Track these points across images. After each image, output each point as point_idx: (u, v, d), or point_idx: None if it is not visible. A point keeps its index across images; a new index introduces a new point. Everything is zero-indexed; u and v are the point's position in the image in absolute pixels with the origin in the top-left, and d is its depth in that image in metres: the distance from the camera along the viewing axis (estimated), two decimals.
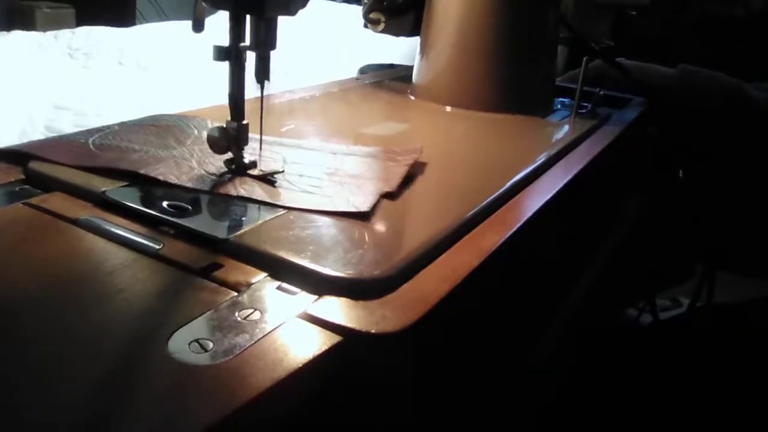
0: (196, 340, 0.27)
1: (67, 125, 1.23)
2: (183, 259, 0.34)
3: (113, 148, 0.47)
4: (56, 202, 0.39)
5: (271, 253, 0.34)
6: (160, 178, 0.42)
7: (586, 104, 0.77)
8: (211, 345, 0.27)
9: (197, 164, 0.45)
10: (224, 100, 0.44)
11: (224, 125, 0.44)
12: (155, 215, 0.38)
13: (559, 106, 0.81)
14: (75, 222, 0.37)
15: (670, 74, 1.08)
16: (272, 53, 0.43)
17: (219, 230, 0.36)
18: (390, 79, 0.88)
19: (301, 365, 0.27)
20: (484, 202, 0.44)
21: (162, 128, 0.52)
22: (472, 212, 0.42)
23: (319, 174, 0.46)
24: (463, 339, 0.40)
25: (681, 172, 0.92)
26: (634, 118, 0.79)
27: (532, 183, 0.51)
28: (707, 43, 1.43)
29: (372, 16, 0.82)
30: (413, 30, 0.81)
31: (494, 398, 0.49)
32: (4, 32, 1.76)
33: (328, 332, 0.29)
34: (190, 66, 1.55)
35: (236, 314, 0.30)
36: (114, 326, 0.28)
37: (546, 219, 0.47)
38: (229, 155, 0.45)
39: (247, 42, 0.42)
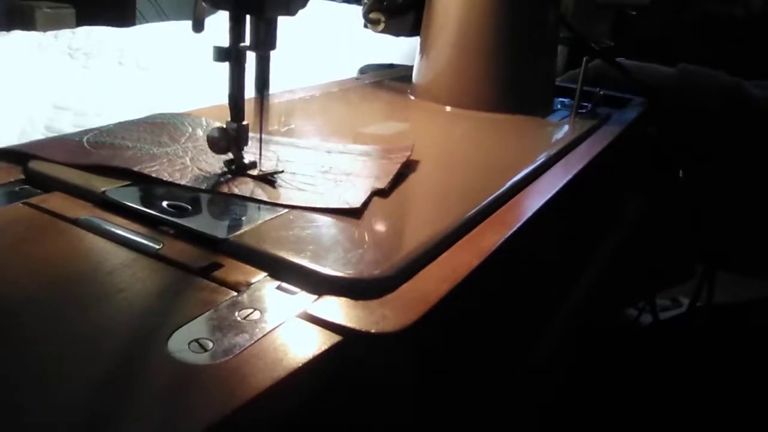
0: (196, 340, 0.27)
1: (67, 125, 1.23)
2: (183, 259, 0.34)
3: (107, 145, 0.47)
4: (56, 202, 0.39)
5: (271, 252, 0.34)
6: (153, 175, 0.42)
7: (586, 104, 0.77)
8: (210, 345, 0.27)
9: (190, 162, 0.46)
10: (224, 100, 0.44)
11: (223, 125, 0.44)
12: (155, 215, 0.38)
13: (559, 106, 0.81)
14: (75, 222, 0.37)
15: (670, 74, 1.08)
16: (272, 53, 0.43)
17: (219, 230, 0.36)
18: (390, 79, 0.88)
19: (301, 365, 0.27)
20: (484, 202, 0.44)
21: (156, 126, 0.52)
22: (472, 212, 0.42)
23: (313, 172, 0.46)
24: (463, 339, 0.40)
25: (681, 172, 0.92)
26: (634, 118, 0.79)
27: (532, 183, 0.51)
28: (707, 43, 1.43)
29: (372, 16, 0.82)
30: (413, 30, 0.81)
31: (494, 398, 0.49)
32: (4, 32, 1.76)
33: (328, 332, 0.29)
34: (190, 66, 1.55)
35: (236, 314, 0.30)
36: (114, 326, 0.28)
37: (546, 219, 0.47)
38: (227, 155, 0.45)
39: (247, 42, 0.42)
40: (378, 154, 0.51)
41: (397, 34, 0.83)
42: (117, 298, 0.30)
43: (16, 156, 0.44)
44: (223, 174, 0.44)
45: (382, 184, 0.45)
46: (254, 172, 0.45)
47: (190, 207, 0.39)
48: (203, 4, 0.42)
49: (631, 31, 1.42)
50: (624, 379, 0.86)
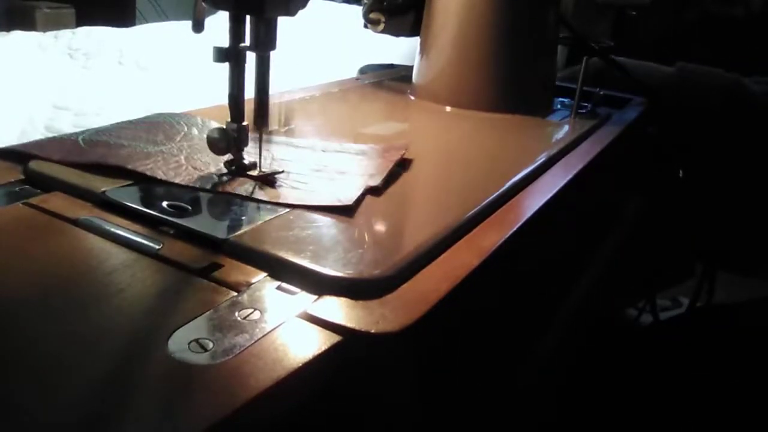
0: (196, 340, 0.27)
1: (67, 125, 1.23)
2: (183, 259, 0.34)
3: (102, 144, 0.47)
4: (56, 202, 0.39)
5: (271, 253, 0.34)
6: (148, 173, 0.42)
7: (586, 104, 0.77)
8: (211, 345, 0.27)
9: (185, 160, 0.46)
10: (224, 100, 0.44)
11: (221, 125, 0.44)
12: (155, 215, 0.38)
13: (559, 106, 0.81)
14: (75, 222, 0.37)
15: (669, 73, 1.08)
16: (272, 53, 0.43)
17: (219, 230, 0.36)
18: (390, 79, 0.88)
19: (300, 365, 0.27)
20: (484, 202, 0.44)
21: (152, 125, 0.52)
22: (472, 212, 0.42)
23: (307, 171, 0.47)
24: (463, 339, 0.40)
25: (681, 172, 0.92)
26: (634, 118, 0.79)
27: (532, 183, 0.51)
28: (707, 43, 1.43)
29: (372, 16, 0.82)
30: (413, 30, 0.81)
31: (494, 398, 0.49)
32: (4, 32, 1.76)
33: (328, 332, 0.29)
34: (190, 66, 1.55)
35: (236, 314, 0.30)
36: (114, 326, 0.28)
37: (546, 219, 0.47)
38: (225, 155, 0.45)
39: (247, 42, 0.42)
40: (373, 153, 0.51)
41: (397, 34, 0.83)
42: (117, 298, 0.30)
43: (13, 156, 0.44)
44: (223, 174, 0.44)
45: (375, 182, 0.45)
46: (254, 173, 0.45)
47: (190, 207, 0.39)
48: (203, 4, 0.42)
49: (631, 31, 1.42)
50: (624, 379, 0.86)
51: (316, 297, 0.32)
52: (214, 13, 1.60)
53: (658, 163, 0.94)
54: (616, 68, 0.90)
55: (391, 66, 1.06)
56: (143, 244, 0.35)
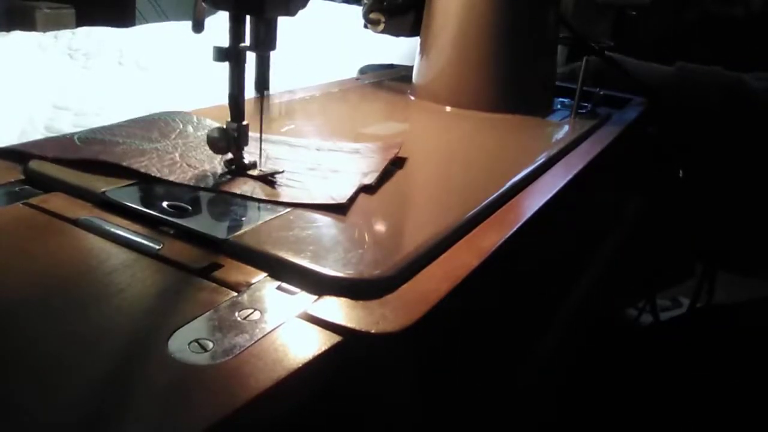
0: (196, 340, 0.27)
1: (67, 125, 1.23)
2: (183, 259, 0.34)
3: (98, 142, 0.47)
4: (56, 202, 0.39)
5: (271, 253, 0.34)
6: (142, 170, 0.42)
7: (586, 104, 0.77)
8: (211, 345, 0.27)
9: (180, 158, 0.46)
10: (224, 100, 0.44)
11: (217, 123, 0.44)
12: (155, 215, 0.38)
13: (559, 106, 0.81)
14: (75, 222, 0.37)
15: (668, 73, 1.08)
16: (272, 53, 0.43)
17: (219, 230, 0.36)
18: (390, 79, 0.88)
19: (301, 365, 0.27)
20: (485, 202, 0.44)
21: (147, 122, 0.52)
22: (472, 212, 0.42)
23: (302, 169, 0.47)
24: (463, 339, 0.40)
25: (681, 171, 0.92)
26: (634, 118, 0.79)
27: (532, 183, 0.51)
28: (707, 43, 1.43)
29: (372, 16, 0.82)
30: (413, 30, 0.81)
31: (494, 398, 0.49)
32: (4, 32, 1.76)
33: (328, 332, 0.29)
34: (190, 66, 1.55)
35: (236, 314, 0.30)
36: (114, 326, 0.28)
37: (546, 219, 0.47)
38: (223, 154, 0.45)
39: (247, 42, 0.42)
40: (367, 151, 0.52)
41: (397, 34, 0.83)
42: (117, 298, 0.30)
43: (13, 156, 0.44)
44: (222, 173, 0.44)
45: (369, 180, 0.45)
46: (254, 172, 0.45)
47: (190, 207, 0.39)
48: (203, 4, 0.42)
49: (631, 31, 1.42)
50: (624, 379, 0.86)
51: (316, 297, 0.32)
52: (214, 13, 1.60)
53: (658, 163, 0.94)
54: (615, 68, 0.90)
55: (391, 66, 1.06)
56: (143, 244, 0.35)
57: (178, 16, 2.59)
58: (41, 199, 0.39)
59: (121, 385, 0.24)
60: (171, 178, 0.42)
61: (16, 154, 0.44)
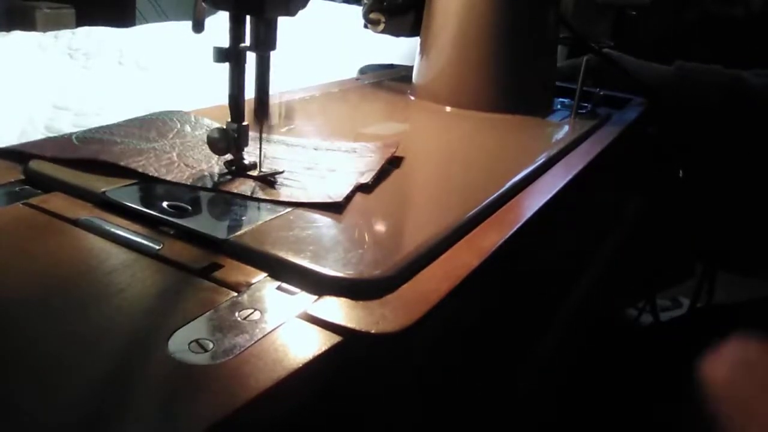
0: (196, 340, 0.27)
1: (67, 125, 1.23)
2: (183, 260, 0.34)
3: (95, 141, 0.47)
4: (56, 202, 0.39)
5: (271, 253, 0.34)
6: (140, 170, 0.42)
7: (586, 104, 0.77)
8: (211, 345, 0.27)
9: (177, 157, 0.46)
10: (224, 101, 0.44)
11: (215, 123, 0.44)
12: (155, 215, 0.38)
13: (559, 106, 0.81)
14: (75, 222, 0.37)
15: (667, 72, 1.08)
16: (272, 54, 0.43)
17: (219, 230, 0.36)
18: (390, 79, 0.88)
19: (301, 365, 0.27)
20: (485, 202, 0.44)
21: (145, 122, 0.52)
22: (472, 212, 0.42)
23: (299, 169, 0.47)
24: (463, 339, 0.40)
25: (681, 171, 0.92)
26: (634, 118, 0.79)
27: (532, 183, 0.51)
28: (707, 43, 1.43)
29: (372, 16, 0.82)
30: (413, 30, 0.81)
31: (495, 398, 0.49)
32: (4, 32, 1.76)
33: (328, 332, 0.29)
34: (190, 66, 1.55)
35: (236, 314, 0.30)
36: (114, 326, 0.28)
37: (546, 219, 0.47)
38: (221, 154, 0.45)
39: (247, 43, 0.42)
40: (364, 150, 0.52)
41: (397, 34, 0.83)
42: (117, 298, 0.30)
43: (13, 156, 0.44)
44: (221, 173, 0.45)
45: (366, 179, 0.45)
46: (254, 173, 0.45)
47: (190, 207, 0.39)
48: (203, 4, 0.42)
49: (631, 31, 1.42)
50: (625, 380, 0.86)
51: (316, 297, 0.32)
52: (214, 13, 1.60)
53: (658, 163, 0.94)
54: (615, 67, 0.90)
55: (391, 66, 1.06)
56: (143, 244, 0.35)
57: (178, 16, 2.59)
58: (41, 199, 0.39)
59: (121, 385, 0.24)
60: (168, 178, 0.42)
61: (16, 154, 0.44)
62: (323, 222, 0.39)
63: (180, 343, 0.27)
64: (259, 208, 0.41)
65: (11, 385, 0.24)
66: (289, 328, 0.29)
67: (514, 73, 0.74)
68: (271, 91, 0.44)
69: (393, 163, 0.50)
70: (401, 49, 1.50)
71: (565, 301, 0.63)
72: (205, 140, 0.44)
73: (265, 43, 0.42)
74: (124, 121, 0.53)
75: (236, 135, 0.44)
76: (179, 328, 0.28)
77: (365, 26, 0.84)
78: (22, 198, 0.39)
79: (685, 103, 1.02)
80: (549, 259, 0.57)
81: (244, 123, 0.44)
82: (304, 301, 0.31)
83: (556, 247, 0.58)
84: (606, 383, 0.83)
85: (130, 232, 0.36)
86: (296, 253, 0.34)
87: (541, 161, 0.55)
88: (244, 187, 0.43)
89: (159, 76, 1.55)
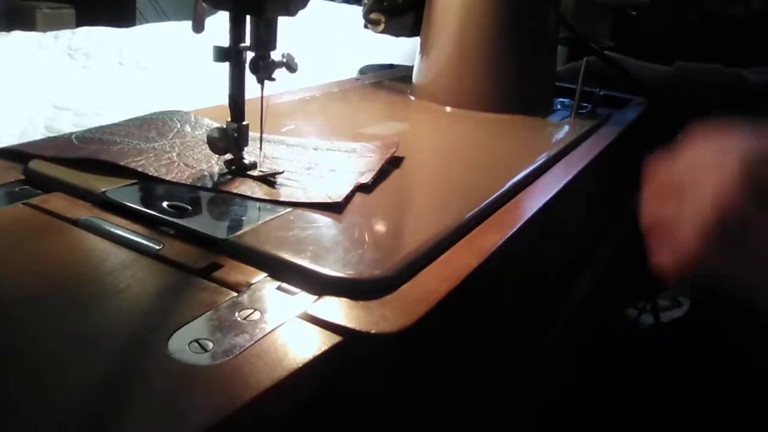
0: (196, 340, 0.27)
1: (67, 125, 1.23)
2: (183, 260, 0.34)
3: (95, 141, 0.47)
4: (56, 202, 0.39)
5: (271, 253, 0.34)
6: (139, 169, 0.42)
7: (586, 104, 0.77)
8: (211, 345, 0.27)
9: (177, 157, 0.46)
10: (224, 100, 0.44)
11: (215, 123, 0.44)
12: (155, 215, 0.38)
13: (559, 106, 0.81)
14: (75, 222, 0.37)
15: (667, 72, 1.08)
16: (272, 54, 0.43)
17: (219, 230, 0.36)
18: (390, 79, 0.88)
19: (301, 365, 0.27)
20: (485, 203, 0.44)
21: (145, 122, 0.53)
22: (472, 212, 0.42)
23: (299, 169, 0.47)
24: (463, 339, 0.40)
25: None
26: (634, 118, 0.79)
27: (532, 183, 0.51)
28: (707, 43, 1.43)
29: (372, 16, 0.82)
30: (413, 30, 0.81)
31: (495, 398, 0.49)
32: (4, 32, 1.76)
33: (328, 332, 0.29)
34: (190, 66, 1.55)
35: (236, 314, 0.30)
36: (114, 326, 0.28)
37: (546, 219, 0.47)
38: (221, 154, 0.45)
39: (247, 42, 0.42)
40: (364, 151, 0.52)
41: (397, 34, 0.83)
42: (117, 298, 0.30)
43: (13, 156, 0.44)
44: (221, 173, 0.44)
45: (366, 179, 0.45)
46: (254, 173, 0.45)
47: (190, 207, 0.39)
48: (203, 4, 0.42)
49: (631, 31, 1.42)
50: (625, 380, 0.86)
51: (316, 297, 0.32)
52: (214, 13, 1.60)
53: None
54: (615, 68, 0.90)
55: (391, 66, 1.05)
56: (143, 244, 0.35)
57: (178, 16, 2.59)
58: (41, 199, 0.39)
59: (121, 385, 0.24)
60: (168, 178, 0.42)
61: (16, 154, 0.44)
62: (323, 222, 0.39)
63: (180, 343, 0.27)
64: (258, 208, 0.40)
65: (11, 385, 0.24)
66: (289, 328, 0.29)
67: (514, 74, 0.74)
68: (271, 92, 0.44)
69: (393, 163, 0.50)
70: (401, 49, 1.50)
71: (566, 301, 0.63)
72: (205, 140, 0.44)
73: (265, 42, 0.42)
74: (124, 121, 0.53)
75: (236, 135, 0.44)
76: (179, 328, 0.28)
77: (365, 26, 0.84)
78: (22, 198, 0.39)
79: (685, 103, 1.02)
80: (549, 259, 0.57)
81: (244, 123, 0.44)
82: (304, 301, 0.31)
83: (557, 247, 0.58)
84: (607, 384, 0.83)
85: (130, 232, 0.36)
86: (296, 253, 0.34)
87: (541, 161, 0.55)
88: (244, 187, 0.43)
89: (159, 76, 1.55)
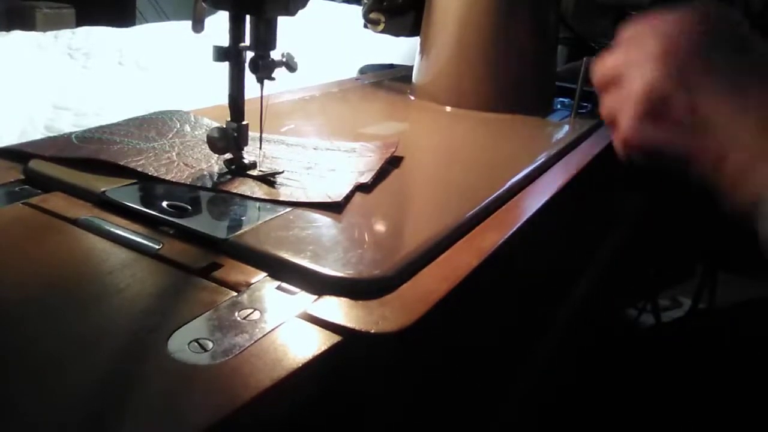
0: (196, 340, 0.27)
1: (67, 125, 1.23)
2: (183, 259, 0.34)
3: (95, 141, 0.47)
4: (56, 202, 0.39)
5: (271, 253, 0.34)
6: (139, 169, 0.42)
7: (586, 104, 0.77)
8: (210, 345, 0.27)
9: (177, 157, 0.46)
10: (224, 100, 0.44)
11: (215, 123, 0.44)
12: (155, 215, 0.38)
13: (559, 106, 0.81)
14: (75, 222, 0.37)
15: None
16: (272, 54, 0.43)
17: (219, 230, 0.36)
18: (390, 79, 0.88)
19: (300, 365, 0.27)
20: (484, 202, 0.44)
21: (145, 121, 0.53)
22: (472, 212, 0.42)
23: (298, 168, 0.47)
24: (462, 339, 0.40)
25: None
26: None
27: (532, 183, 0.51)
28: None
29: (372, 16, 0.82)
30: (413, 30, 0.81)
31: (495, 398, 0.49)
32: (4, 32, 1.76)
33: (327, 332, 0.29)
34: (190, 66, 1.56)
35: (236, 314, 0.30)
36: (114, 326, 0.28)
37: (546, 219, 0.47)
38: (220, 154, 0.45)
39: (247, 42, 0.42)
40: (363, 150, 0.52)
41: (397, 34, 0.83)
42: (117, 298, 0.30)
43: (13, 156, 0.44)
44: (221, 173, 0.44)
45: (365, 179, 0.45)
46: (254, 172, 0.45)
47: (189, 207, 0.39)
48: (203, 4, 0.42)
49: None
50: (625, 380, 0.86)
51: (315, 297, 0.32)
52: (214, 13, 1.60)
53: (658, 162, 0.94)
54: None
55: (391, 66, 1.05)
56: (143, 244, 0.35)
57: (178, 16, 2.59)
58: (41, 198, 0.39)
59: (120, 385, 0.24)
60: (167, 178, 0.42)
61: (16, 154, 0.44)
62: (323, 222, 0.39)
63: (180, 342, 0.27)
64: (258, 207, 0.40)
65: (11, 385, 0.24)
66: (289, 328, 0.29)
67: (514, 73, 0.74)
68: (271, 91, 0.44)
69: (392, 162, 0.50)
70: (401, 49, 1.50)
71: (566, 301, 0.63)
72: (205, 140, 0.44)
73: (265, 42, 0.42)
74: (123, 121, 0.53)
75: (236, 134, 0.44)
76: (179, 328, 0.28)
77: (365, 26, 0.84)
78: (22, 198, 0.39)
79: None
80: (549, 259, 0.57)
81: (244, 122, 0.44)
82: (304, 300, 0.31)
83: (556, 247, 0.58)
84: (607, 384, 0.83)
85: (130, 232, 0.36)
86: (296, 252, 0.34)
87: (541, 161, 0.55)
88: (244, 186, 0.43)
89: (159, 76, 1.55)
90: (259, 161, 0.46)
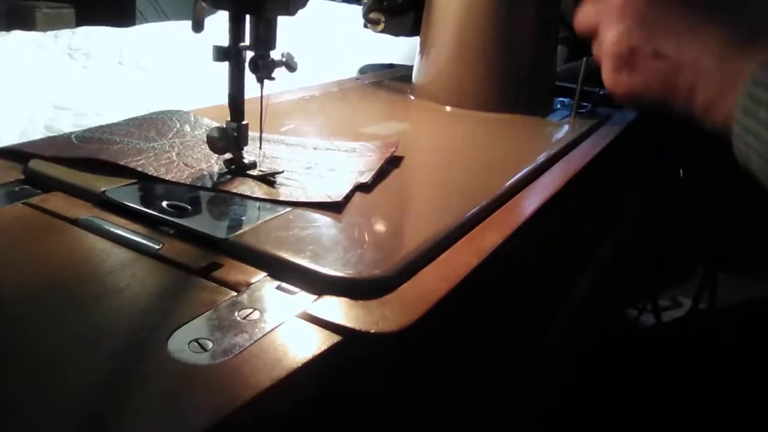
0: (196, 340, 0.27)
1: (67, 125, 1.23)
2: (183, 259, 0.34)
3: (95, 140, 0.47)
4: (56, 202, 0.39)
5: (271, 252, 0.34)
6: (139, 169, 0.42)
7: (586, 104, 0.77)
8: (210, 345, 0.27)
9: (177, 157, 0.46)
10: (224, 100, 0.44)
11: (215, 123, 0.44)
12: (155, 215, 0.38)
13: (559, 106, 0.81)
14: (75, 222, 0.37)
15: None
16: (272, 54, 0.43)
17: (219, 230, 0.36)
18: (390, 79, 0.88)
19: (300, 365, 0.27)
20: (484, 202, 0.44)
21: (145, 121, 0.53)
22: (472, 212, 0.42)
23: (298, 168, 0.47)
24: (463, 339, 0.40)
25: (681, 171, 0.92)
26: (634, 118, 0.79)
27: (532, 183, 0.51)
28: None
29: (372, 16, 0.82)
30: (413, 30, 0.81)
31: (495, 398, 0.49)
32: (4, 32, 1.76)
33: (327, 332, 0.29)
34: (190, 66, 1.56)
35: (236, 314, 0.30)
36: (114, 326, 0.28)
37: (546, 219, 0.47)
38: (220, 154, 0.45)
39: (247, 42, 0.42)
40: (363, 150, 0.52)
41: (397, 34, 0.83)
42: (117, 298, 0.30)
43: (13, 156, 0.44)
44: (221, 173, 0.45)
45: (365, 179, 0.45)
46: (254, 172, 0.45)
47: (189, 207, 0.39)
48: (203, 4, 0.42)
49: None
50: (625, 380, 0.86)
51: (315, 297, 0.32)
52: (214, 13, 1.60)
53: (659, 162, 0.94)
54: None
55: (391, 66, 1.05)
56: (143, 243, 0.35)
57: (178, 16, 2.59)
58: (41, 198, 0.39)
59: (120, 385, 0.24)
60: (167, 177, 0.42)
61: (16, 154, 0.44)
62: (323, 221, 0.39)
63: (180, 342, 0.27)
64: (258, 207, 0.41)
65: (11, 385, 0.24)
66: (289, 328, 0.29)
67: (514, 73, 0.74)
68: (271, 91, 0.44)
69: (392, 162, 0.50)
70: (401, 49, 1.50)
71: (566, 301, 0.63)
72: (205, 139, 0.44)
73: (264, 42, 0.42)
74: (123, 121, 0.53)
75: (236, 134, 0.44)
76: (179, 328, 0.28)
77: (365, 26, 0.84)
78: (22, 198, 0.39)
79: None
80: (549, 259, 0.57)
81: (244, 122, 0.44)
82: (304, 300, 0.31)
83: (557, 247, 0.58)
84: (607, 384, 0.83)
85: (130, 232, 0.36)
86: (296, 252, 0.34)
87: (541, 161, 0.55)
88: (244, 186, 0.43)
89: (159, 76, 1.55)
90: (259, 161, 0.46)
